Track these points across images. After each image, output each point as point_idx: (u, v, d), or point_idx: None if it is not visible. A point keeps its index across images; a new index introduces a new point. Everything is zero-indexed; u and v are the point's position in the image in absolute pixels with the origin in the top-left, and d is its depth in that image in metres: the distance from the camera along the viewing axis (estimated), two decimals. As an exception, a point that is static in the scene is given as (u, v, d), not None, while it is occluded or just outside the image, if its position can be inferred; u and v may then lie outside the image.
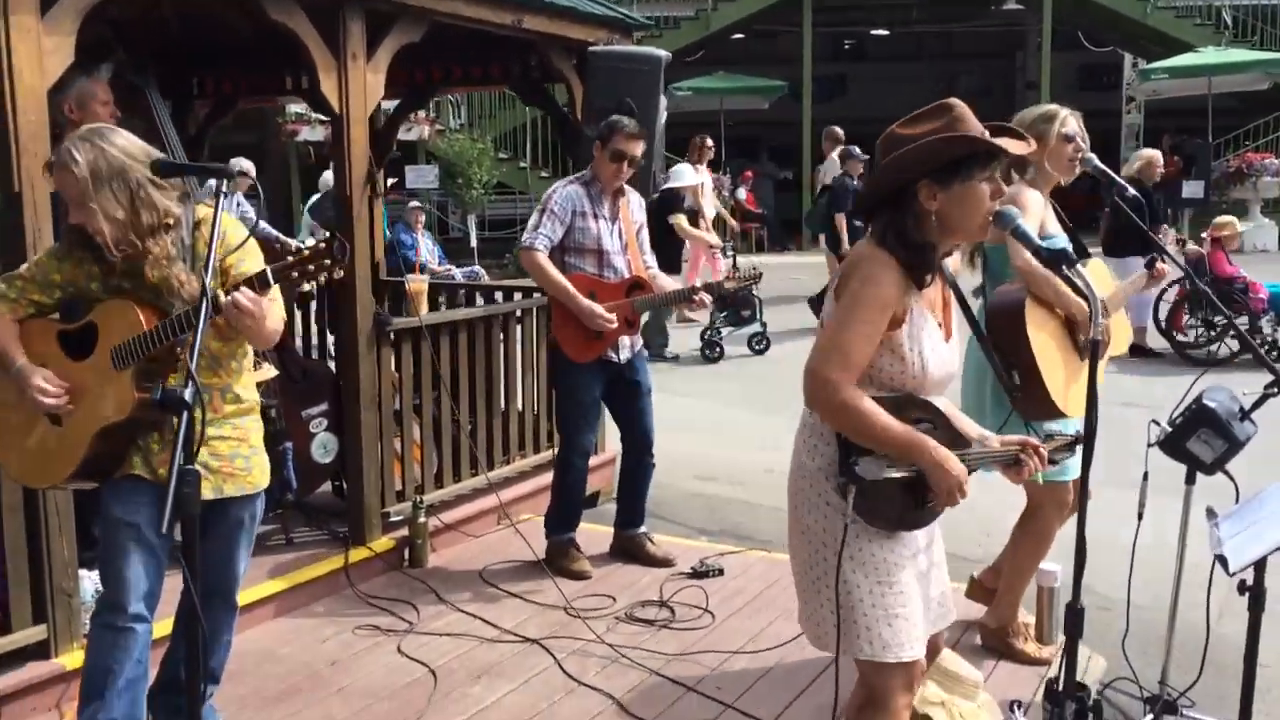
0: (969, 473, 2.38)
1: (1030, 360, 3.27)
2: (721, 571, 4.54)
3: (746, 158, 22.96)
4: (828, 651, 2.46)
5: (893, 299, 2.27)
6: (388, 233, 10.94)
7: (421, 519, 4.65)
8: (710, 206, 11.78)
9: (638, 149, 4.48)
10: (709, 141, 11.73)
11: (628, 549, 4.77)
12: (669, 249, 9.93)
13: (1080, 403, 3.46)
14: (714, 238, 11.09)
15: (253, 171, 7.09)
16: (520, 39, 5.28)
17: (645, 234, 4.73)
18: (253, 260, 2.81)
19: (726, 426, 7.78)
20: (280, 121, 17.36)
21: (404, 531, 4.67)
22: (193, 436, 2.22)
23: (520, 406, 5.52)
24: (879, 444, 2.26)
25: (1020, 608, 3.88)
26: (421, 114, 17.71)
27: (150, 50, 5.72)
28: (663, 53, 5.41)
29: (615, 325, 4.41)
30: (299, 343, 5.71)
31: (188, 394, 2.20)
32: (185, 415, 2.19)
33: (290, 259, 2.67)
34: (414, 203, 11.78)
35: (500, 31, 5.03)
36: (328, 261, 2.67)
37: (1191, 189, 16.07)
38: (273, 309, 2.71)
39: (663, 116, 5.40)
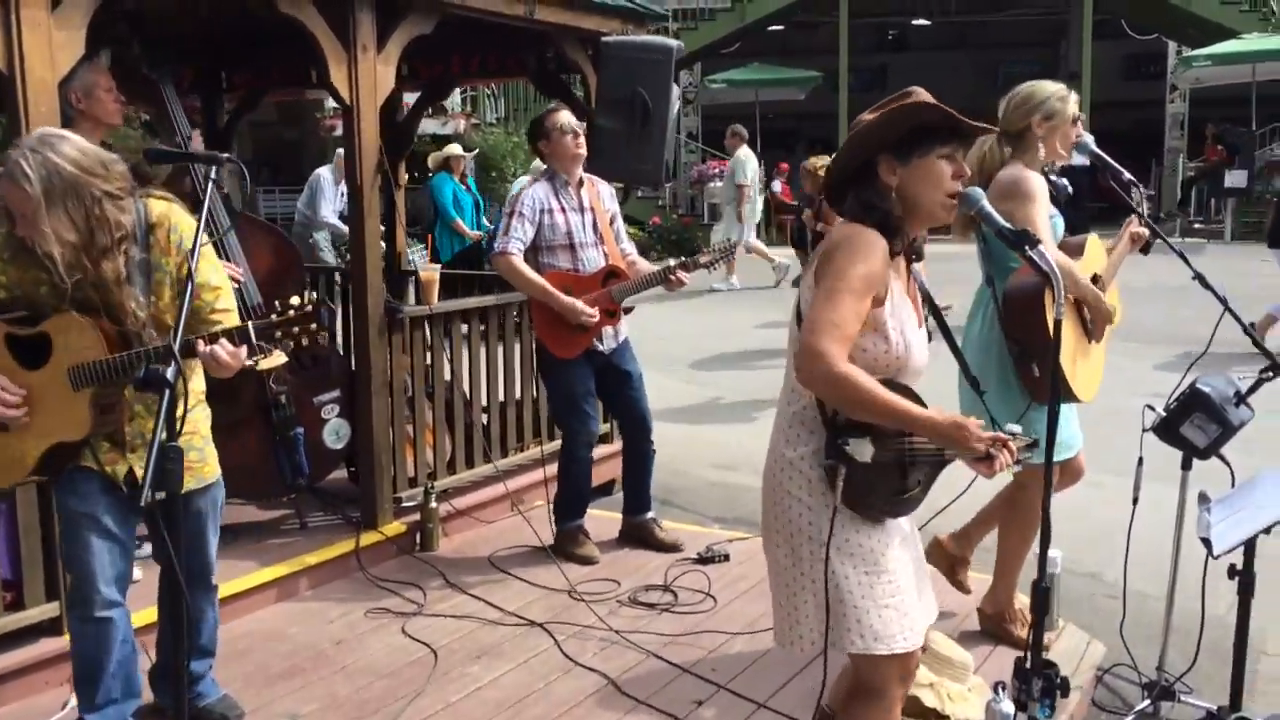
0: (945, 464, 2.38)
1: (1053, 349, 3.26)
2: (727, 557, 4.57)
3: (783, 150, 22.90)
4: (804, 652, 2.41)
5: (878, 273, 2.25)
6: (487, 223, 11.01)
7: (432, 504, 4.72)
8: None
9: (568, 117, 4.62)
10: (456, 149, 11.42)
11: (636, 534, 4.82)
12: None
13: (1095, 383, 3.46)
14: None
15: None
16: (536, 30, 5.33)
17: (620, 223, 4.79)
18: (205, 266, 2.78)
19: (753, 415, 7.79)
20: (319, 117, 17.56)
21: (416, 516, 4.75)
22: (174, 415, 2.29)
23: (535, 394, 5.57)
24: (880, 413, 2.20)
25: (1018, 592, 3.88)
26: (457, 108, 17.88)
27: (169, 43, 5.87)
28: (675, 42, 5.43)
29: (597, 319, 4.46)
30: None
31: (169, 373, 2.28)
32: (168, 393, 2.26)
33: (274, 318, 2.63)
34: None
35: (514, 23, 5.08)
36: (313, 326, 2.64)
37: (1235, 178, 15.84)
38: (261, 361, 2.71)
39: (675, 106, 5.41)
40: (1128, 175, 3.49)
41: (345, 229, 10.77)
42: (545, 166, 4.75)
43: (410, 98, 6.85)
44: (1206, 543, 2.83)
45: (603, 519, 5.02)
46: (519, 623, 3.99)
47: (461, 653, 3.75)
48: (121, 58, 4.38)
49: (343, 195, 10.82)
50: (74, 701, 3.27)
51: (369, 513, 4.64)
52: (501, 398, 5.34)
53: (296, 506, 4.72)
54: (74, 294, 2.69)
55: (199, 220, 2.50)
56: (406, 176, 6.88)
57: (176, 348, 2.32)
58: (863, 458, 2.23)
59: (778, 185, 18.95)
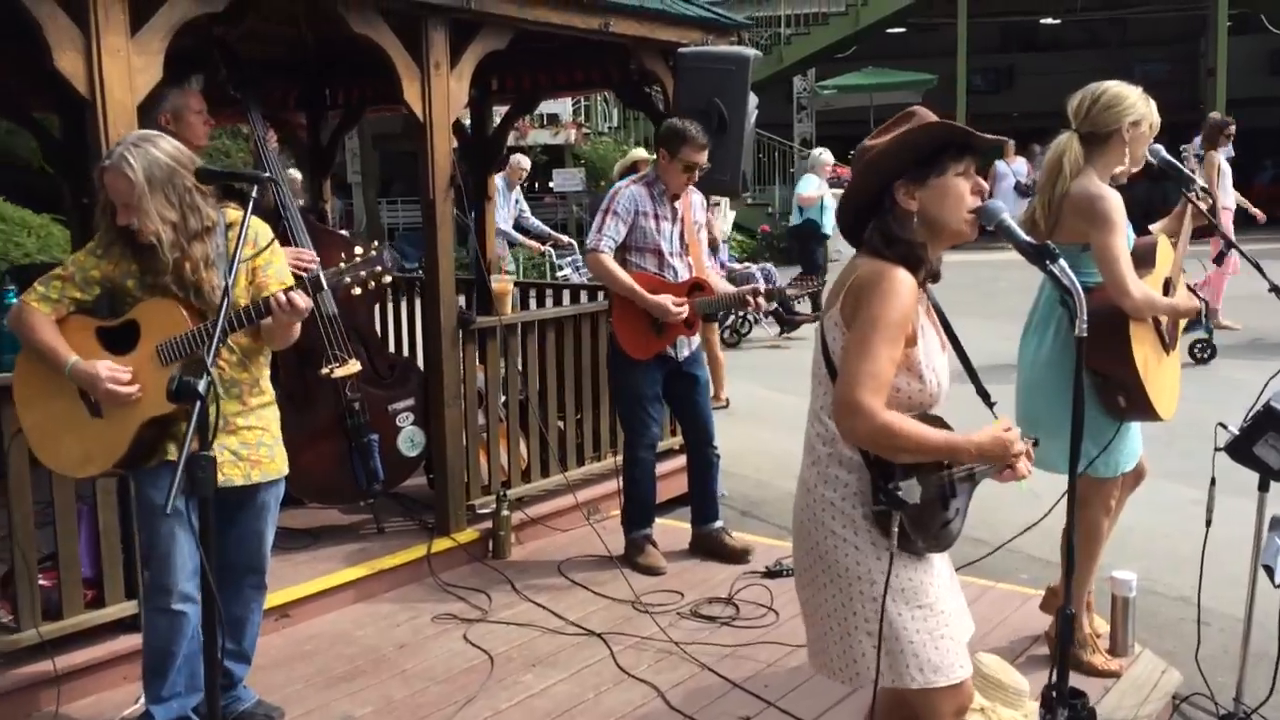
0: (975, 485, 2.34)
1: (1136, 378, 3.15)
2: (793, 572, 4.50)
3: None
4: (859, 685, 2.34)
5: (909, 315, 2.21)
6: None
7: (505, 512, 4.79)
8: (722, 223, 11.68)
9: (704, 158, 4.55)
10: (525, 163, 11.36)
11: (705, 545, 4.80)
12: None
13: (1171, 400, 3.33)
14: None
15: (299, 179, 7.46)
16: (616, 43, 5.37)
17: (705, 234, 4.77)
18: (279, 262, 3.00)
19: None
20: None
21: (489, 524, 4.82)
22: (207, 424, 2.38)
23: (610, 404, 5.60)
24: (927, 454, 2.19)
25: (1095, 615, 3.73)
26: (569, 118, 18.10)
27: (270, 65, 6.11)
28: (751, 52, 5.40)
29: (685, 315, 4.46)
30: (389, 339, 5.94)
31: (201, 385, 2.37)
32: (199, 404, 2.35)
33: (343, 265, 2.87)
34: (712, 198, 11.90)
35: (590, 37, 5.13)
36: (378, 269, 2.86)
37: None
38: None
39: (752, 116, 5.38)
40: (1201, 182, 3.32)
41: (519, 236, 11.07)
42: (648, 170, 4.74)
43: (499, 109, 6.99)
44: (1269, 570, 2.67)
45: (674, 530, 5.02)
46: (578, 632, 4.01)
47: (518, 661, 3.80)
48: (221, 86, 4.59)
49: (516, 202, 11.10)
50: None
51: (442, 519, 4.73)
52: (576, 408, 5.39)
53: (374, 511, 4.85)
54: (157, 280, 2.94)
55: (240, 231, 2.61)
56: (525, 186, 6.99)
57: (210, 360, 2.41)
58: (914, 500, 2.19)
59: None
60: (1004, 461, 2.25)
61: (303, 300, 2.86)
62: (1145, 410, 3.27)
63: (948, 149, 2.20)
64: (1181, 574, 4.61)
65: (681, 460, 5.46)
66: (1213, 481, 3.17)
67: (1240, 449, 3.12)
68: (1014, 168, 17.09)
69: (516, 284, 6.29)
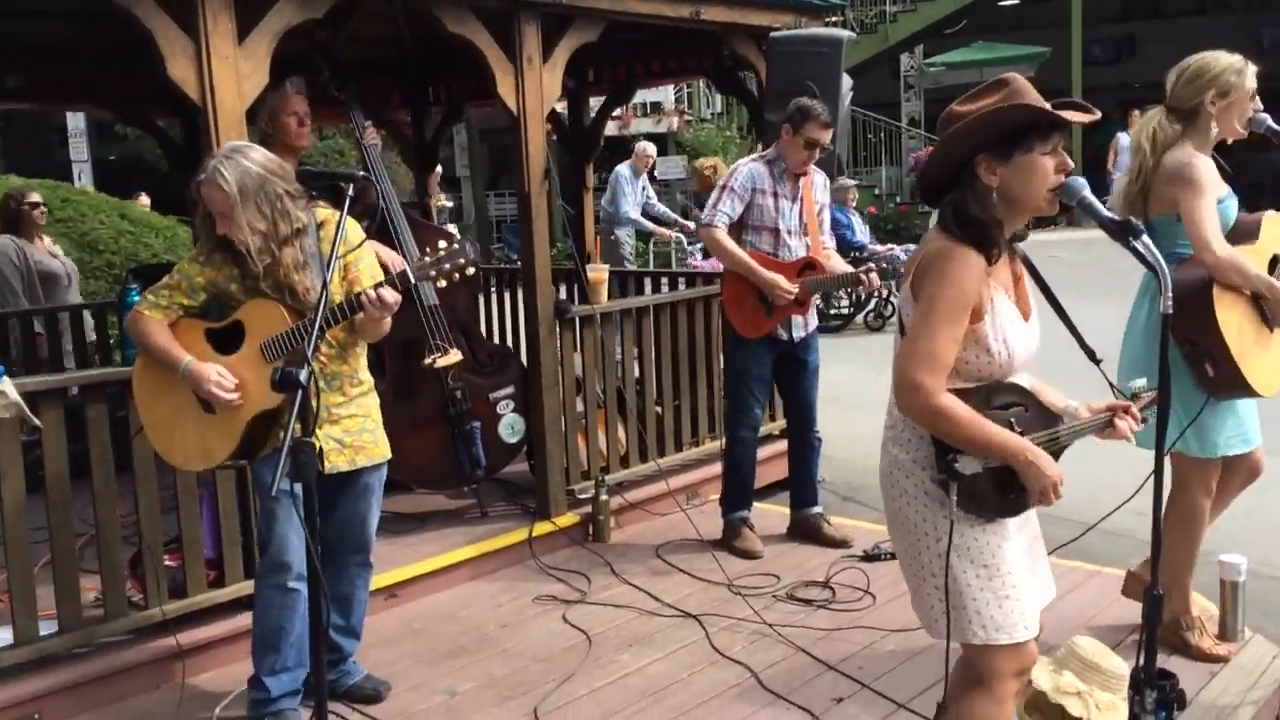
0: (1062, 450, 2.35)
1: (1222, 345, 3.08)
2: (892, 555, 4.49)
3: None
4: (939, 638, 2.43)
5: (972, 294, 2.24)
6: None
7: (604, 497, 4.88)
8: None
9: (828, 137, 4.54)
10: (651, 149, 11.42)
11: (803, 529, 4.81)
12: None
13: (1273, 378, 3.22)
14: None
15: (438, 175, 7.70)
16: (709, 30, 5.40)
17: (826, 214, 4.75)
18: (369, 258, 3.16)
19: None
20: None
21: (589, 509, 4.92)
22: (308, 412, 2.51)
23: (710, 390, 5.64)
24: (973, 447, 2.24)
25: (1197, 597, 3.64)
26: (671, 105, 18.12)
27: (374, 65, 6.30)
28: (844, 34, 5.37)
29: (794, 294, 4.47)
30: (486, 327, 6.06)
31: (302, 375, 2.49)
32: (301, 394, 2.48)
33: (427, 259, 3.00)
34: (848, 181, 11.91)
35: (681, 25, 5.17)
36: (460, 261, 2.98)
37: None
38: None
39: (847, 98, 5.35)
40: (1311, 147, 3.20)
41: (649, 224, 11.22)
42: (770, 148, 4.75)
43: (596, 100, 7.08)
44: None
45: (773, 514, 5.05)
46: (674, 614, 4.08)
47: (615, 640, 3.88)
48: (314, 82, 4.76)
49: (644, 189, 11.24)
50: (262, 670, 3.62)
51: (543, 504, 4.85)
52: (675, 393, 5.44)
53: (478, 496, 4.99)
54: (260, 284, 3.09)
55: (337, 232, 2.73)
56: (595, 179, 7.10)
57: (309, 353, 2.54)
58: (970, 472, 2.24)
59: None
60: (1036, 491, 2.25)
61: (391, 295, 2.99)
62: (1236, 382, 3.17)
63: (1036, 127, 2.19)
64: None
65: (782, 445, 5.47)
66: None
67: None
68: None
69: (623, 273, 6.37)
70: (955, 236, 2.24)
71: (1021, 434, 2.30)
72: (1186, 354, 3.22)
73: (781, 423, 5.63)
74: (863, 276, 4.46)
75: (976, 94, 2.27)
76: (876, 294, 10.65)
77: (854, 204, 11.56)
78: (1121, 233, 2.15)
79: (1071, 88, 18.89)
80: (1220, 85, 3.25)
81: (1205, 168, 3.20)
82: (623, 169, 11.05)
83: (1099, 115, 2.21)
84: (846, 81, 5.33)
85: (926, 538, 2.37)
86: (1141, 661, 2.23)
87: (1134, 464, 3.51)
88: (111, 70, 5.64)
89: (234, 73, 3.67)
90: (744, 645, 3.79)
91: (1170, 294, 2.08)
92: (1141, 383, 2.21)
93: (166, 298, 3.18)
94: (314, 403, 2.51)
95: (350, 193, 2.79)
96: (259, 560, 3.35)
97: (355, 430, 3.23)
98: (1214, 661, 3.46)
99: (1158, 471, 2.19)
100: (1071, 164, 2.23)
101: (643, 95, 18.42)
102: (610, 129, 19.14)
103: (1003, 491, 2.31)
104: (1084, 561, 4.37)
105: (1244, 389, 3.23)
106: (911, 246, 11.06)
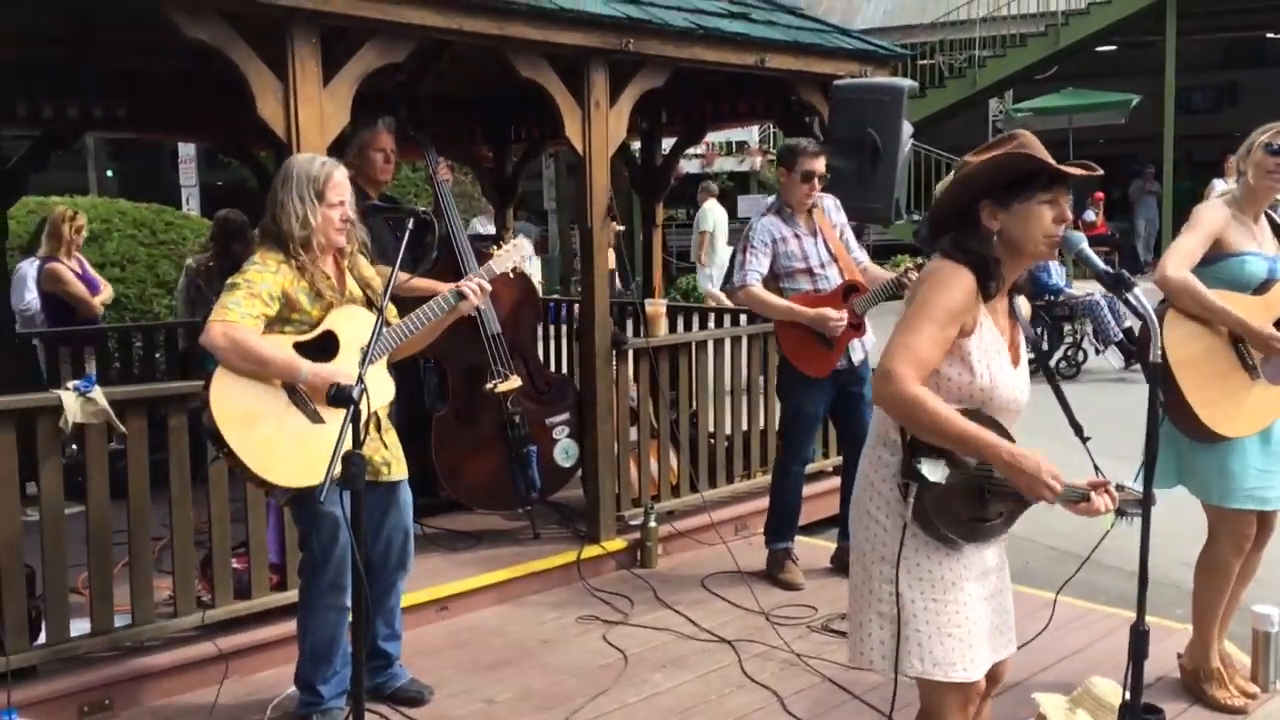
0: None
1: (1169, 376, 3.16)
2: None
3: (1100, 179, 21.56)
4: (864, 664, 2.49)
5: (961, 306, 2.31)
6: None
7: (652, 524, 5.05)
8: None
9: (821, 164, 4.72)
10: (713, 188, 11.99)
11: (843, 560, 4.91)
12: None
13: (1251, 422, 3.27)
14: None
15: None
16: (775, 77, 5.58)
17: (849, 233, 4.90)
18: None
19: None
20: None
21: (638, 535, 5.09)
22: (358, 427, 2.73)
23: (763, 424, 5.78)
24: (947, 437, 2.24)
25: (1228, 647, 3.67)
26: (755, 144, 18.33)
27: (457, 105, 6.61)
28: (906, 82, 5.49)
29: (846, 323, 4.60)
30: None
31: (355, 391, 2.71)
32: (353, 408, 2.70)
33: (495, 252, 3.50)
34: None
35: (746, 72, 5.37)
36: (520, 259, 3.49)
37: None
38: None
39: (907, 145, 5.47)
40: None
41: None
42: (774, 198, 4.95)
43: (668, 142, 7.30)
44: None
45: (818, 549, 5.16)
46: (710, 639, 4.22)
47: (650, 661, 4.03)
48: (401, 125, 5.07)
49: None
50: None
51: (593, 528, 5.03)
52: (728, 427, 5.59)
53: (531, 518, 5.20)
54: (326, 293, 3.25)
55: (394, 262, 2.96)
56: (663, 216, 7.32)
57: (362, 371, 2.76)
58: (935, 478, 2.27)
59: (1092, 215, 18.01)
60: (1026, 489, 2.24)
61: (487, 285, 3.35)
62: (1187, 413, 3.24)
63: (1039, 177, 2.32)
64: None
65: (832, 482, 5.59)
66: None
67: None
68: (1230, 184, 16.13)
69: (679, 307, 6.57)
70: (955, 259, 2.35)
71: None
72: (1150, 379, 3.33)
73: (834, 459, 5.75)
74: (903, 279, 4.56)
75: (988, 146, 2.40)
76: (1069, 337, 10.56)
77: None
78: (1115, 285, 2.26)
79: (1164, 135, 18.59)
80: (1246, 147, 3.40)
81: (1209, 213, 3.39)
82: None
83: (1100, 172, 2.32)
84: (907, 128, 5.45)
85: (881, 562, 2.41)
86: (1127, 695, 2.31)
87: (1190, 513, 3.59)
88: (211, 103, 6.03)
89: (318, 113, 3.95)
90: (773, 672, 3.92)
91: (1160, 345, 2.19)
92: (1128, 485, 2.29)
93: (252, 306, 3.08)
94: (364, 415, 2.73)
95: (410, 226, 3.03)
96: (311, 578, 3.44)
97: (394, 443, 3.46)
98: (1232, 713, 3.48)
99: (1145, 509, 2.27)
100: (1070, 216, 2.35)
101: (728, 134, 18.69)
102: (693, 167, 19.51)
103: (966, 513, 2.34)
104: (1120, 609, 4.40)
105: (1196, 423, 3.28)
106: (1094, 290, 10.52)
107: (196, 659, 3.85)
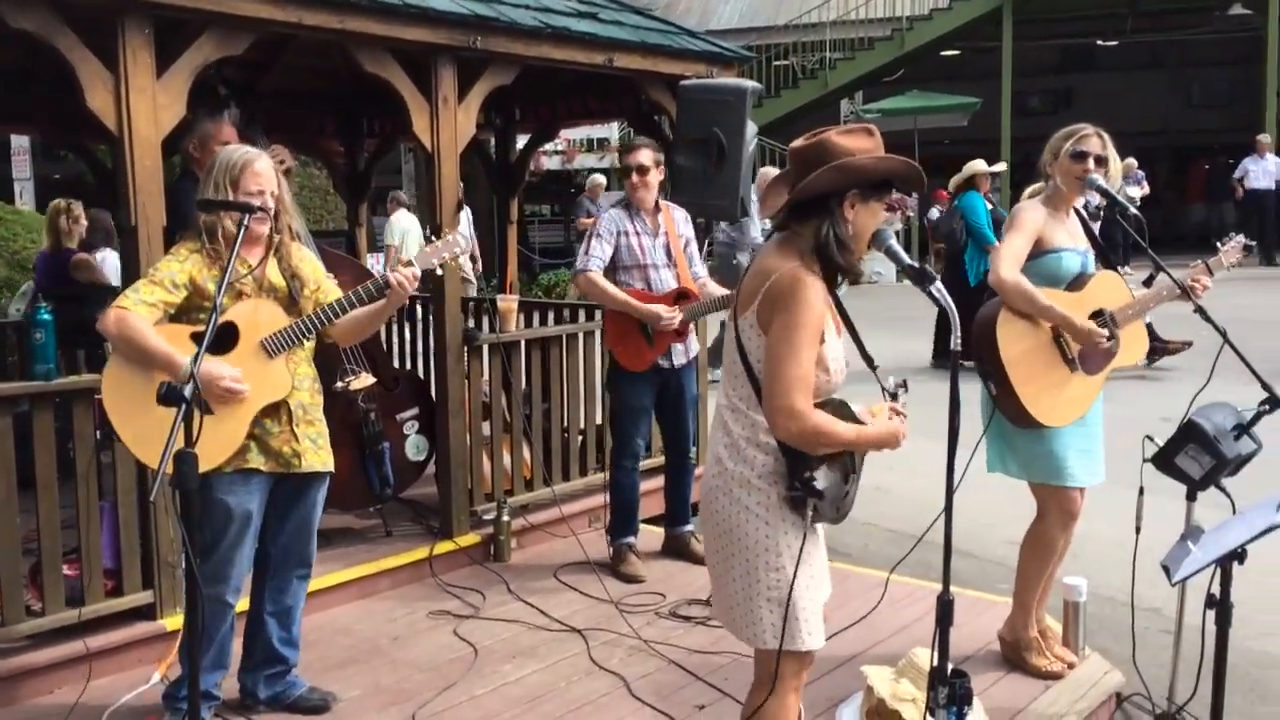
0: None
1: (1000, 368, 3.40)
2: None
3: (944, 178, 22.51)
4: (759, 645, 2.63)
5: (822, 317, 2.47)
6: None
7: (505, 518, 5.08)
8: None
9: (641, 156, 4.90)
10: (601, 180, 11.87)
11: (674, 546, 5.10)
12: None
13: (1070, 411, 3.52)
14: None
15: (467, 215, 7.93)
16: (625, 76, 5.67)
17: (694, 247, 5.05)
18: (311, 263, 3.53)
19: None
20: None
21: (491, 529, 5.12)
22: (191, 424, 2.68)
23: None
24: (841, 447, 2.48)
25: (1044, 616, 3.92)
26: (616, 142, 18.47)
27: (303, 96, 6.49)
28: (749, 84, 5.65)
29: (677, 323, 4.73)
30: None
31: (187, 390, 2.66)
32: (184, 407, 2.65)
33: (435, 244, 3.55)
34: None
35: (595, 71, 5.44)
36: (456, 250, 3.58)
37: None
38: None
39: (751, 144, 5.63)
40: (1134, 210, 3.53)
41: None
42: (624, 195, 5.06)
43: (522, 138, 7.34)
44: (1166, 570, 2.86)
45: (659, 537, 5.28)
46: (560, 629, 4.28)
47: (500, 653, 4.08)
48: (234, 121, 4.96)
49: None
50: (157, 677, 3.77)
51: (446, 523, 5.04)
52: (582, 421, 5.67)
53: (383, 516, 5.17)
54: (240, 283, 3.23)
55: (229, 257, 2.93)
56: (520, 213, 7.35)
57: (196, 369, 2.71)
58: (825, 484, 2.47)
59: (935, 213, 18.73)
60: (893, 448, 2.55)
61: (417, 275, 3.34)
62: (1016, 405, 3.49)
63: (891, 181, 2.50)
64: (1154, 586, 4.75)
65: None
66: (1140, 491, 3.37)
67: (1165, 460, 3.31)
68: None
69: (528, 303, 6.60)
70: (810, 267, 2.46)
71: None
72: (979, 373, 3.60)
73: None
74: (728, 299, 4.72)
75: (851, 132, 2.51)
76: None
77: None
78: (919, 278, 2.42)
79: (1001, 137, 19.49)
80: (1053, 148, 3.69)
81: (1024, 211, 3.65)
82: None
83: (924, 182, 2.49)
84: (751, 128, 5.61)
85: (768, 553, 2.53)
86: (935, 660, 2.46)
87: (1017, 498, 3.82)
88: (44, 95, 5.79)
89: (151, 104, 3.86)
90: (621, 658, 4.01)
91: (959, 333, 2.35)
92: (892, 381, 2.54)
93: (151, 294, 3.10)
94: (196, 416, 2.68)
95: (246, 222, 3.00)
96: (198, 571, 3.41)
97: (323, 433, 3.42)
98: (1050, 678, 3.73)
99: (948, 489, 2.42)
100: (884, 215, 2.52)
101: (587, 131, 18.79)
102: (554, 163, 19.51)
103: (841, 497, 2.56)
104: (960, 588, 4.63)
105: (1026, 415, 3.53)
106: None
107: (27, 668, 3.72)
